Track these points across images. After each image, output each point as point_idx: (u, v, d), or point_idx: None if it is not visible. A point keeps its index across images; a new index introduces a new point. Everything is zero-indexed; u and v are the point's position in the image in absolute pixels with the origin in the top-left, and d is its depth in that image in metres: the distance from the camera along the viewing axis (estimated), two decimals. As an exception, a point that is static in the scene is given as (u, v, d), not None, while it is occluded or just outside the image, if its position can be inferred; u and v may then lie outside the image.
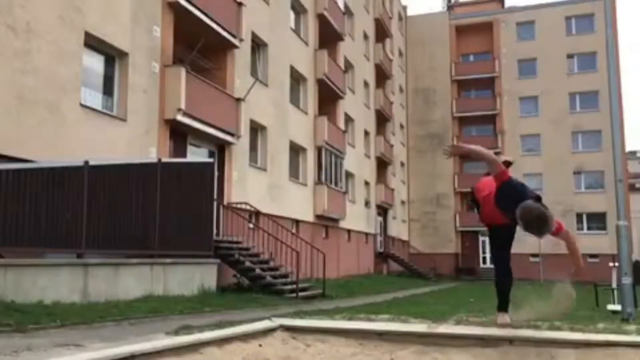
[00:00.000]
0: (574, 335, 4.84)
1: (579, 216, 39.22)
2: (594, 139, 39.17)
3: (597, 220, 38.85)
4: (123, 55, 12.40)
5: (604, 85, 33.88)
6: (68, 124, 10.58)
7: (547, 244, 41.09)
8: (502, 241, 5.13)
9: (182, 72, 13.47)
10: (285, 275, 14.30)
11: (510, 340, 4.74)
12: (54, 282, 8.46)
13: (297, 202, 21.09)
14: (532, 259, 38.11)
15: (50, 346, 5.11)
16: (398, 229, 38.50)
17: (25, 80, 9.75)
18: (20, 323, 6.42)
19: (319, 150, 23.38)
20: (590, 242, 38.15)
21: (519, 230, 4.70)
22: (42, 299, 8.03)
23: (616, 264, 11.72)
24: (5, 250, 8.44)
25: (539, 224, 4.25)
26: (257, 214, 16.69)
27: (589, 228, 39.13)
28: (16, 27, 9.60)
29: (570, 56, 40.85)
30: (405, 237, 40.60)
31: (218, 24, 15.09)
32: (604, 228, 37.92)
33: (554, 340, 4.64)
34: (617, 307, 9.66)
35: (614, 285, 11.18)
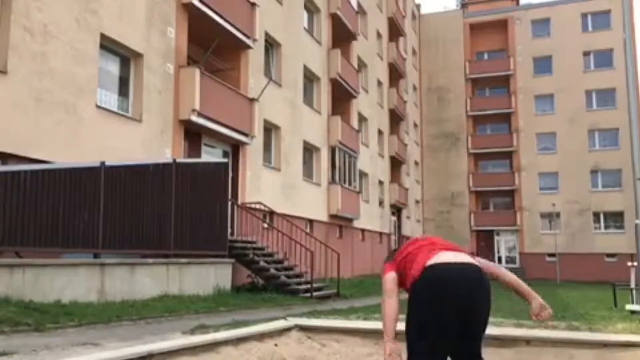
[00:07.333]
0: (592, 335, 4.79)
1: (596, 215, 38.76)
2: (611, 136, 38.68)
3: (614, 220, 38.37)
4: (138, 56, 12.49)
5: (621, 83, 33.44)
6: (84, 125, 10.69)
7: (562, 243, 40.14)
8: None
9: (196, 72, 13.54)
10: (299, 275, 14.32)
11: (528, 341, 4.71)
12: (72, 282, 8.55)
13: (311, 202, 21.09)
14: (548, 259, 37.79)
15: (69, 345, 5.17)
16: (412, 228, 38.36)
17: (43, 82, 9.86)
18: (39, 322, 6.51)
19: (332, 149, 23.35)
20: (607, 241, 37.70)
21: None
22: (60, 299, 8.13)
23: (635, 264, 11.59)
24: (24, 250, 8.55)
25: None
26: (271, 213, 16.73)
27: (606, 227, 38.67)
28: (33, 29, 9.72)
29: (586, 53, 40.34)
30: (419, 237, 40.42)
31: (232, 25, 15.14)
32: (622, 227, 37.46)
33: (572, 341, 4.59)
34: (636, 307, 9.55)
35: (633, 285, 11.04)
